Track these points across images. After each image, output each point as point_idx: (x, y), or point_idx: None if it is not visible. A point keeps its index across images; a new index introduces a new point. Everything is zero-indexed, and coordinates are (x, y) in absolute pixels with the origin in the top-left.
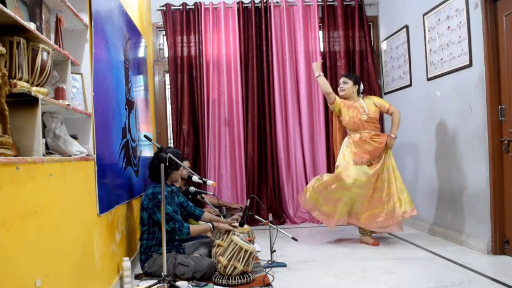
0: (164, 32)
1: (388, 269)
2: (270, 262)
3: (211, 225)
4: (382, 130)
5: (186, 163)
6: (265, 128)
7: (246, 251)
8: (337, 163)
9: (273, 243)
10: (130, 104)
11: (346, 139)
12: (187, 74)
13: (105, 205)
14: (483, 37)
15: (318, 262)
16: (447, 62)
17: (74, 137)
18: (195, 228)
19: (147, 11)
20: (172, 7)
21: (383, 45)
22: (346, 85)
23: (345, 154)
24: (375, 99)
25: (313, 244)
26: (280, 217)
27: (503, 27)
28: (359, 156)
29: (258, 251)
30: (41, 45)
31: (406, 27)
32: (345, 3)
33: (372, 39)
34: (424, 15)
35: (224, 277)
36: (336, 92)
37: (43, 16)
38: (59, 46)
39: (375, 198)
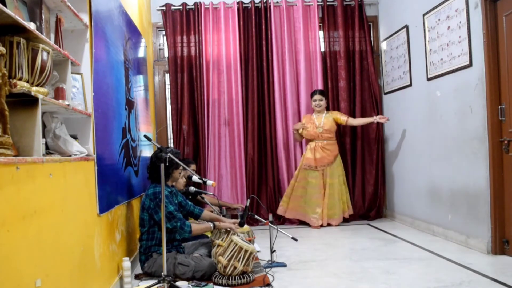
0: (164, 32)
1: (388, 269)
2: (270, 262)
3: (212, 224)
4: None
5: (193, 167)
6: (265, 128)
7: (246, 251)
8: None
9: (273, 243)
10: (130, 104)
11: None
12: (187, 74)
13: (105, 205)
14: (483, 37)
15: (318, 262)
16: (447, 62)
17: (74, 137)
18: (196, 227)
19: (147, 11)
20: (172, 7)
21: (383, 45)
22: (322, 101)
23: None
24: (334, 114)
25: (313, 244)
26: (280, 217)
27: (503, 27)
28: (309, 160)
29: (258, 251)
30: (41, 45)
31: (406, 27)
32: (345, 3)
33: (372, 39)
34: (424, 15)
35: (224, 277)
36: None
37: (43, 16)
38: (59, 46)
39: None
